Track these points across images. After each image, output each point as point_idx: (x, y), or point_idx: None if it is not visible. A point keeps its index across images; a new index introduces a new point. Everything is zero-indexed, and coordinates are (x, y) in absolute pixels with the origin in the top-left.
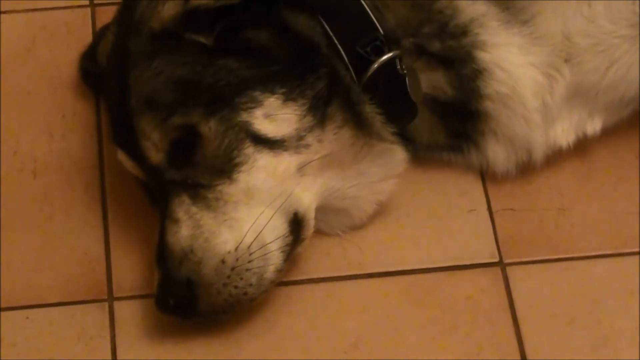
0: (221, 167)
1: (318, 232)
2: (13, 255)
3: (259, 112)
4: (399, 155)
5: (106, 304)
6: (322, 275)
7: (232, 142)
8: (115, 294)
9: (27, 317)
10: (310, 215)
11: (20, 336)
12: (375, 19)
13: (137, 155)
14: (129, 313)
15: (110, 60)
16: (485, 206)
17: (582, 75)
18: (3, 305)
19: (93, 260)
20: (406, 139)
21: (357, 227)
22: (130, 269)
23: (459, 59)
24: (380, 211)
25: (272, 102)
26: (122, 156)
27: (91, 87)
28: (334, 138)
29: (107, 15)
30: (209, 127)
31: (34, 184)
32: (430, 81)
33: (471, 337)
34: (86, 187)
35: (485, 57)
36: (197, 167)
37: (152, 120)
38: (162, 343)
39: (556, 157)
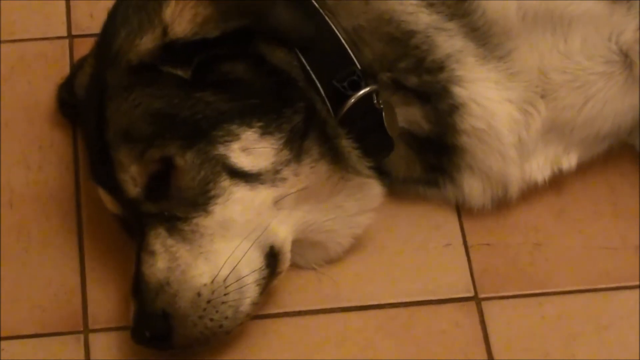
0: (197, 200)
1: (294, 265)
2: None
3: (235, 146)
4: (375, 189)
5: (82, 336)
6: (297, 309)
7: (208, 175)
8: (91, 326)
9: (2, 349)
10: (287, 249)
11: None
12: (352, 53)
13: (113, 187)
14: (105, 345)
15: (88, 92)
16: (460, 240)
17: (558, 111)
18: None
19: (69, 291)
20: (382, 172)
21: (332, 261)
22: (106, 301)
23: (435, 94)
24: (356, 245)
25: (249, 135)
26: (102, 194)
27: (68, 118)
28: (310, 172)
29: (85, 47)
30: (185, 160)
31: (10, 215)
32: (407, 116)
33: None
34: (62, 219)
35: (461, 92)
36: (173, 200)
37: (130, 153)
38: None
39: (532, 192)
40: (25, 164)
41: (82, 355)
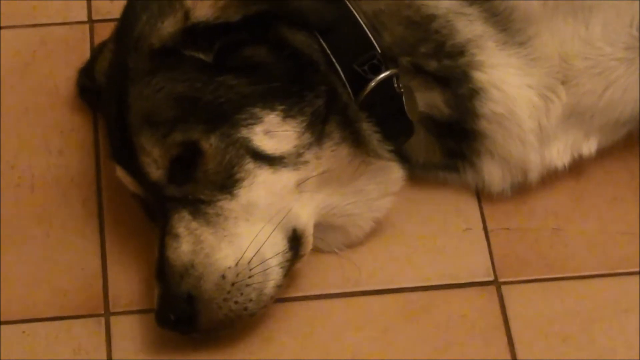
0: (222, 183)
1: (315, 249)
2: (10, 270)
3: (258, 129)
4: (396, 173)
5: (103, 319)
6: (318, 293)
7: (232, 158)
8: (112, 309)
9: (24, 332)
10: (309, 232)
11: (17, 350)
12: (373, 37)
13: (136, 171)
14: (126, 328)
15: (109, 76)
16: (480, 225)
17: (579, 97)
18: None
19: (90, 275)
20: (402, 157)
21: (353, 245)
22: (126, 284)
23: (455, 78)
24: (377, 229)
25: (271, 118)
26: (120, 172)
27: (89, 103)
28: (331, 155)
29: (105, 31)
30: (210, 144)
31: (31, 199)
32: (427, 100)
33: (466, 356)
34: (83, 203)
35: (481, 77)
36: (198, 183)
37: (152, 137)
38: (158, 358)
39: (551, 178)
40: (46, 148)
41: (103, 337)
